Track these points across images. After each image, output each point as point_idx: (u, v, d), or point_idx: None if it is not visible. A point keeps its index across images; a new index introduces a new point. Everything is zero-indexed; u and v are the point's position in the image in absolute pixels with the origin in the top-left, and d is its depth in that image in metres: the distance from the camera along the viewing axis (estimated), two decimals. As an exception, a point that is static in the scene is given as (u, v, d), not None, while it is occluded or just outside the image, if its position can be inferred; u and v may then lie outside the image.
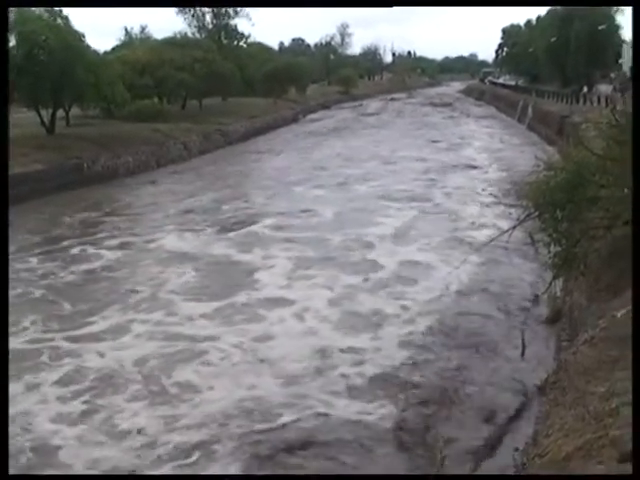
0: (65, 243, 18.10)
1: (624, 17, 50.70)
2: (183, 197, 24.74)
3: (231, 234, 18.70)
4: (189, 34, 60.96)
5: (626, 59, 49.79)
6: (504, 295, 13.03)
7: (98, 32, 78.33)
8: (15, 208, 15.66)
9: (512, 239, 10.94)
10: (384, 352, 10.59)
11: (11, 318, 11.24)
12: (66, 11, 31.33)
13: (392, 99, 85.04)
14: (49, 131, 30.21)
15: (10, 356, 9.74)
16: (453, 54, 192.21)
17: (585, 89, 45.08)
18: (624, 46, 51.95)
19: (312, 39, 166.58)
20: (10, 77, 21.20)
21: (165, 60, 43.45)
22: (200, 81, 43.61)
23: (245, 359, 10.47)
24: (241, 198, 24.42)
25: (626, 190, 7.98)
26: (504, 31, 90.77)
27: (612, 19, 52.26)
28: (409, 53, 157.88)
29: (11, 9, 25.66)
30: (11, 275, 13.85)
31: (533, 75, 70.26)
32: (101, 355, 10.69)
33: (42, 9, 30.15)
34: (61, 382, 9.79)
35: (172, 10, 65.77)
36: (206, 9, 63.52)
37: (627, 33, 51.98)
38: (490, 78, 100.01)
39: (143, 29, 74.61)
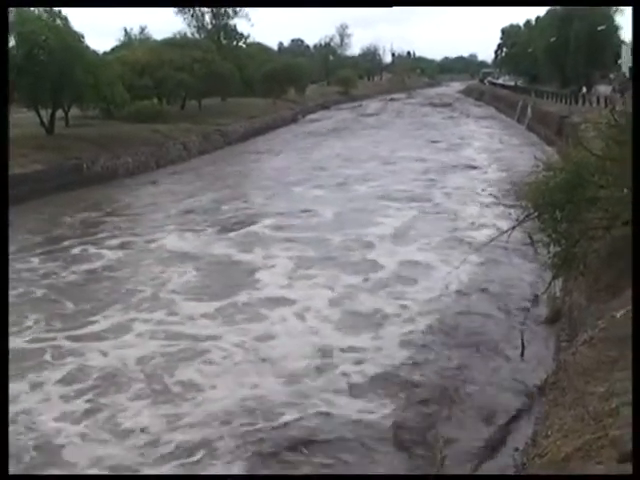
0: (66, 243, 18.15)
1: (623, 17, 50.91)
2: (183, 197, 24.78)
3: (231, 234, 18.75)
4: (188, 34, 61.09)
5: (625, 59, 49.89)
6: (504, 295, 13.08)
7: (97, 32, 78.75)
8: (15, 208, 15.68)
9: (511, 239, 10.96)
10: (385, 351, 10.65)
11: (14, 317, 11.37)
12: (65, 11, 31.51)
13: (391, 99, 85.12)
14: (48, 131, 30.23)
15: (13, 355, 9.86)
16: (452, 54, 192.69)
17: (584, 89, 45.09)
18: (623, 46, 52.07)
19: (311, 40, 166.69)
20: (10, 77, 21.21)
21: (164, 60, 43.48)
22: (199, 81, 43.65)
23: (247, 358, 10.53)
24: (241, 198, 24.47)
25: (625, 190, 8.01)
26: (503, 31, 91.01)
27: (611, 19, 52.40)
28: (408, 53, 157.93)
29: (11, 9, 25.70)
30: (13, 275, 13.93)
31: (532, 75, 70.38)
32: (104, 354, 10.74)
33: (41, 10, 30.21)
34: (64, 381, 9.84)
35: (171, 10, 65.99)
36: (205, 9, 63.67)
37: (626, 33, 52.19)
38: (489, 78, 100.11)
39: (142, 29, 74.84)
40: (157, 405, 9.11)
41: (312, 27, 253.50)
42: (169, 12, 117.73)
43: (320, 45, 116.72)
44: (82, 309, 12.87)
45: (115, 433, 8.43)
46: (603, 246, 9.35)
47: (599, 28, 50.27)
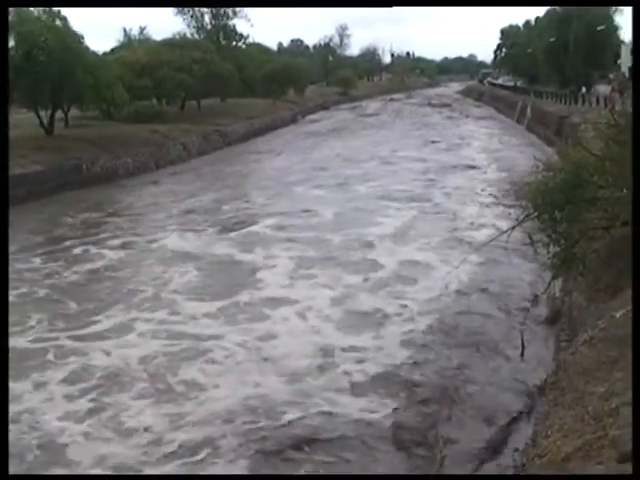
0: (67, 243, 18.20)
1: (622, 17, 50.97)
2: (183, 197, 24.82)
3: (232, 234, 18.80)
4: (188, 35, 61.13)
5: (624, 60, 49.87)
6: (503, 295, 13.12)
7: (97, 33, 78.82)
8: (14, 209, 15.70)
9: (511, 239, 11.01)
10: (385, 351, 10.70)
11: (16, 317, 11.44)
12: (65, 12, 31.53)
13: (391, 100, 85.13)
14: (48, 132, 30.24)
15: (17, 355, 9.96)
16: (452, 55, 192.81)
17: (584, 90, 45.12)
18: (622, 47, 52.06)
19: (311, 40, 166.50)
20: (9, 77, 21.23)
21: (164, 61, 43.51)
22: (199, 82, 43.68)
23: (249, 357, 10.57)
24: (241, 198, 24.52)
25: (625, 190, 8.05)
26: (503, 32, 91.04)
27: (610, 19, 52.45)
28: (408, 54, 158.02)
29: (10, 9, 25.72)
30: (14, 275, 14.00)
31: (532, 76, 70.40)
32: (106, 353, 10.79)
33: (40, 10, 30.22)
34: (67, 380, 9.88)
35: (171, 11, 65.96)
36: (205, 10, 63.64)
37: (625, 34, 52.26)
38: (489, 79, 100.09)
39: (142, 30, 74.70)
40: (160, 404, 9.15)
41: (311, 27, 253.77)
42: (169, 12, 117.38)
43: (319, 45, 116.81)
44: (84, 309, 12.92)
45: (118, 432, 8.47)
46: (603, 246, 9.38)
47: (598, 28, 50.32)
